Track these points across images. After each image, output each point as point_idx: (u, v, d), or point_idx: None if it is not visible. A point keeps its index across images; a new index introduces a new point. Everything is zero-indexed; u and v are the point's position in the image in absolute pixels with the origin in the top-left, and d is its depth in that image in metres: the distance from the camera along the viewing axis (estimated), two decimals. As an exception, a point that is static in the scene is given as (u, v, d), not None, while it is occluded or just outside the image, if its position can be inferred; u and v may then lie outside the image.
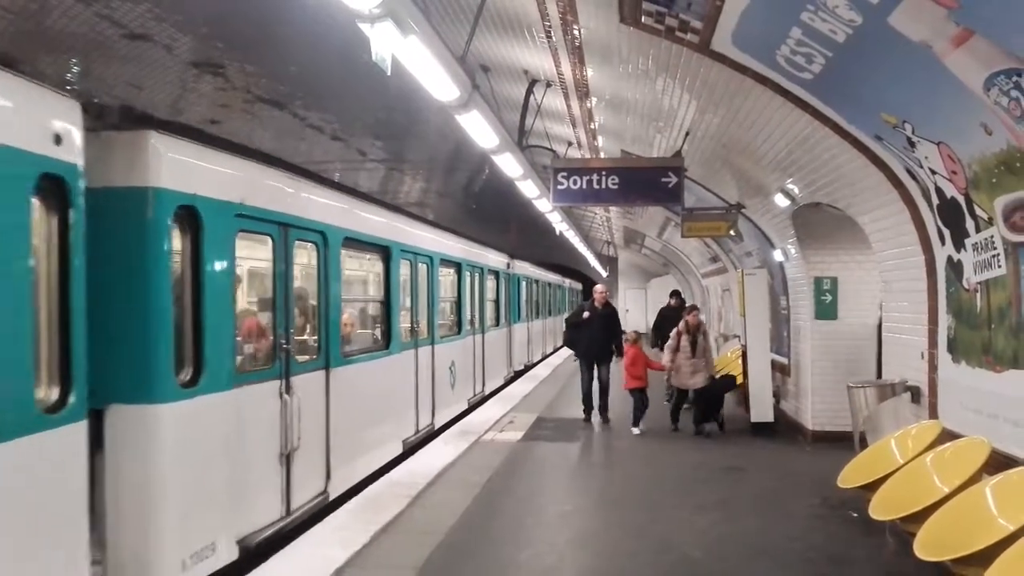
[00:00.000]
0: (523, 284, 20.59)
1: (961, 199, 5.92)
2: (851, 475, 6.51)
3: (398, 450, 9.78)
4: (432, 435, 11.22)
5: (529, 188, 11.42)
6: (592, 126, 12.59)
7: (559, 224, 17.04)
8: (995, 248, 5.62)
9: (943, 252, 6.60)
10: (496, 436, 11.34)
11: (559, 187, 10.22)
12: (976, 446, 5.55)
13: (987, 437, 5.67)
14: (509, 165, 9.89)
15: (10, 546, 3.72)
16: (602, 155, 14.27)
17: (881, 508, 5.66)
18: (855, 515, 6.87)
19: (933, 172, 6.11)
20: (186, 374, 5.29)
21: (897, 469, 6.00)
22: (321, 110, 14.65)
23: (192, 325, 5.39)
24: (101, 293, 4.58)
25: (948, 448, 5.86)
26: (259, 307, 7.36)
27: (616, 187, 10.25)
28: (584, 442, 11.15)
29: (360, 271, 10.11)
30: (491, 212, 24.76)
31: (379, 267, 9.66)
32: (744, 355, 12.25)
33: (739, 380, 12.67)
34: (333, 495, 7.54)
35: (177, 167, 5.22)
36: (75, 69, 10.78)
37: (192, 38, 10.86)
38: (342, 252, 7.93)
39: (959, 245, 6.23)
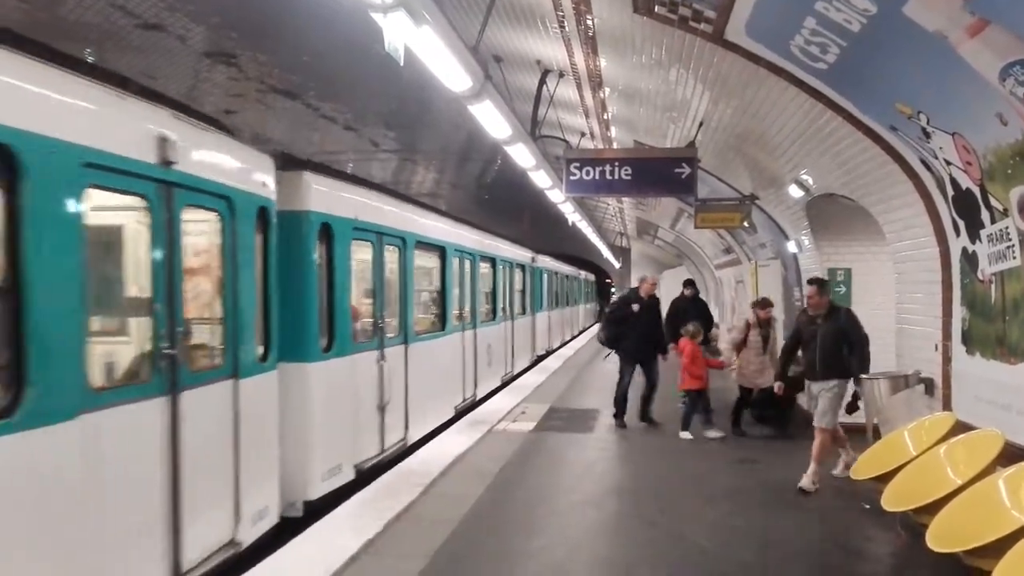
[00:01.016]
0: (545, 276, 22.50)
1: (976, 190, 5.88)
2: (864, 466, 6.49)
3: (451, 414, 11.94)
4: (475, 404, 13.32)
5: (542, 179, 11.41)
6: (605, 117, 12.56)
7: (571, 215, 17.01)
8: (1010, 239, 5.58)
9: (958, 243, 6.57)
10: (508, 426, 11.37)
11: (571, 177, 10.21)
12: (989, 438, 5.53)
13: (1001, 429, 5.64)
14: (521, 155, 9.89)
15: (251, 442, 5.97)
16: (615, 146, 14.24)
17: (894, 499, 5.65)
18: (867, 507, 6.86)
19: (948, 163, 6.07)
20: (324, 343, 7.45)
21: (910, 461, 5.98)
22: (334, 100, 14.68)
23: (327, 309, 7.51)
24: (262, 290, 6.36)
25: (961, 440, 5.84)
26: (364, 296, 8.98)
27: (629, 178, 10.23)
28: (596, 433, 11.15)
29: (424, 267, 11.60)
30: (504, 203, 24.77)
31: (437, 264, 11.73)
32: (757, 347, 12.19)
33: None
34: (409, 442, 9.71)
35: (320, 196, 7.38)
36: (89, 59, 10.84)
37: (205, 28, 10.90)
38: (415, 253, 10.11)
39: (974, 236, 6.20)
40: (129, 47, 11.08)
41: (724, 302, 22.51)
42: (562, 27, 8.61)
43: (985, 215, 5.89)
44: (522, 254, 18.95)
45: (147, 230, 4.89)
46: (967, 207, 6.15)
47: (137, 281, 5.21)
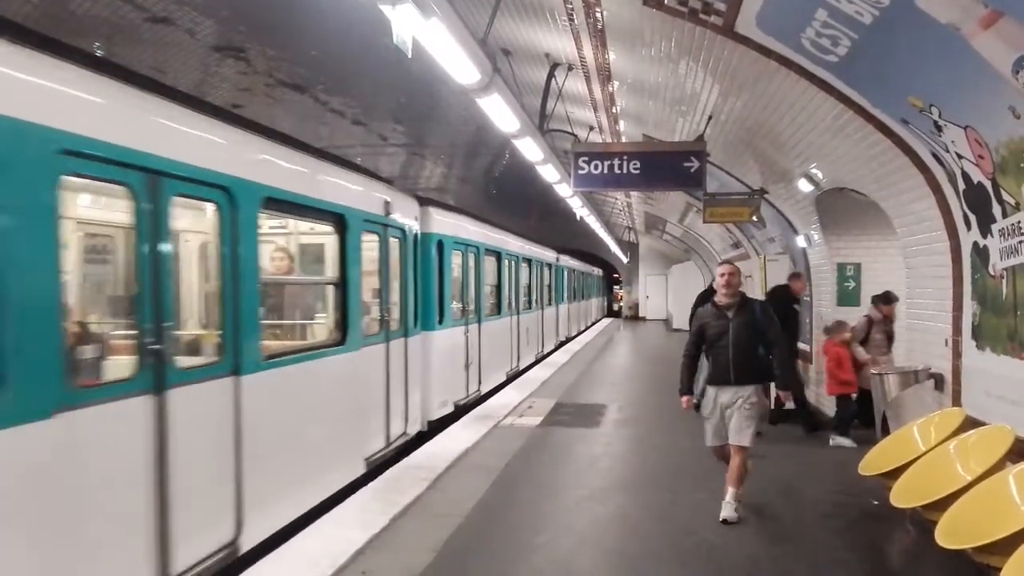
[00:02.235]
0: (565, 273, 26.42)
1: (988, 184, 5.83)
2: (873, 462, 6.46)
3: (503, 378, 15.65)
4: (518, 374, 16.92)
5: (550, 173, 11.37)
6: (614, 110, 12.50)
7: (580, 209, 16.98)
8: (1022, 234, 5.54)
9: (969, 238, 6.52)
10: (515, 421, 11.36)
11: (580, 172, 10.19)
12: (1000, 433, 5.49)
13: (1011, 424, 5.61)
14: (530, 149, 9.86)
15: (401, 385, 9.18)
16: (624, 140, 14.18)
17: (902, 495, 5.62)
18: (876, 503, 6.82)
19: (960, 157, 6.02)
20: (439, 319, 11.06)
21: (919, 456, 5.95)
22: (342, 94, 14.67)
23: (439, 297, 11.00)
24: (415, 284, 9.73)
25: (971, 435, 5.80)
26: (456, 288, 12.37)
27: (637, 172, 10.20)
28: (602, 428, 11.13)
29: (489, 267, 14.76)
30: (513, 197, 24.74)
31: (495, 265, 15.14)
32: (765, 341, 12.15)
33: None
34: (482, 392, 13.60)
35: (437, 223, 11.02)
36: (99, 52, 10.85)
37: (214, 22, 10.90)
38: (484, 257, 13.79)
39: (985, 231, 6.15)
40: (139, 41, 11.09)
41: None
42: (571, 20, 8.57)
43: (997, 209, 5.84)
44: (549, 255, 22.24)
45: (377, 254, 8.46)
46: (979, 201, 6.10)
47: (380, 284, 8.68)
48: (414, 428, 9.67)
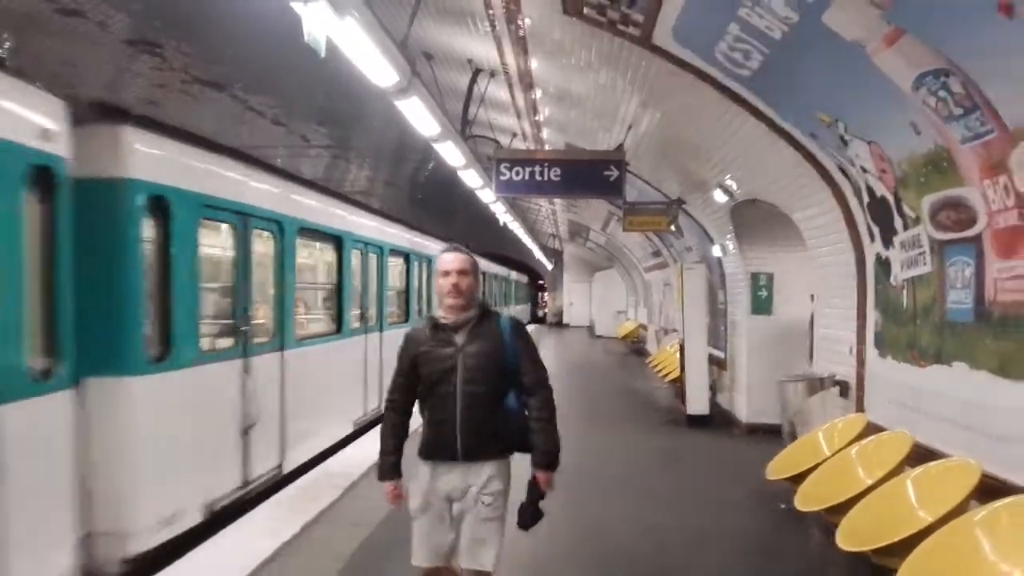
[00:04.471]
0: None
1: (890, 197, 6.03)
2: (779, 467, 6.60)
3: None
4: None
5: (472, 178, 11.35)
6: (537, 118, 12.57)
7: (503, 215, 17.02)
8: (922, 246, 5.74)
9: (872, 249, 6.73)
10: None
11: (501, 177, 10.17)
12: (898, 439, 5.68)
13: (911, 430, 5.80)
14: (451, 154, 9.81)
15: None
16: (547, 147, 14.26)
17: (806, 500, 5.75)
18: (783, 507, 6.97)
19: (864, 170, 6.22)
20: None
21: (823, 462, 6.10)
22: (262, 93, 14.36)
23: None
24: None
25: (871, 441, 5.98)
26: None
27: (558, 179, 10.22)
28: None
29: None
30: (438, 201, 24.64)
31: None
32: (682, 349, 12.37)
33: (676, 374, 12.80)
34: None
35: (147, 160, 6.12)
36: (6, 46, 10.39)
37: (127, 15, 10.55)
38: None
39: (888, 243, 6.36)
40: (49, 33, 10.66)
41: (653, 304, 22.79)
42: (493, 26, 8.57)
43: (898, 222, 6.05)
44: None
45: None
46: (881, 214, 6.30)
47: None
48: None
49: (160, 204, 5.89)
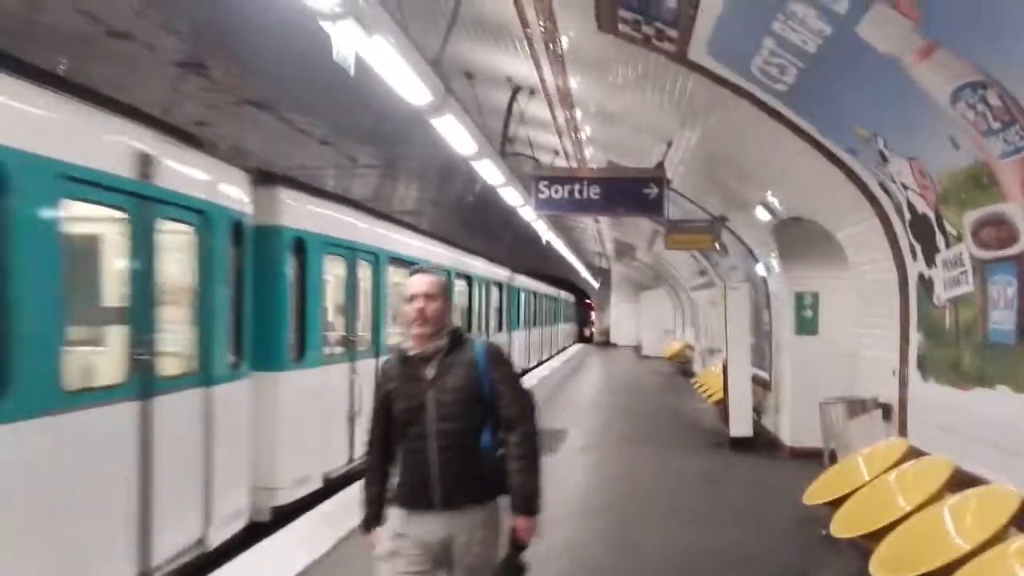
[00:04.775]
0: (522, 295, 26.50)
1: (932, 215, 5.87)
2: (817, 492, 6.43)
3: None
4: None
5: (512, 196, 11.35)
6: (578, 136, 12.54)
7: (546, 233, 17.01)
8: (963, 265, 5.57)
9: (915, 268, 6.55)
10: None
11: (540, 195, 10.19)
12: (939, 465, 5.48)
13: (953, 456, 5.60)
14: (489, 172, 9.83)
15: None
16: (591, 165, 14.23)
17: (843, 525, 5.58)
18: (824, 532, 6.78)
19: (905, 187, 6.06)
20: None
21: (862, 487, 5.92)
22: (308, 114, 14.58)
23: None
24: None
25: (911, 466, 5.79)
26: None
27: (598, 197, 10.21)
28: (559, 453, 11.05)
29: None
30: (485, 220, 24.72)
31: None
32: (725, 369, 12.18)
33: (720, 395, 12.61)
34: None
35: (293, 212, 7.93)
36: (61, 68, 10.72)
37: (176, 38, 10.81)
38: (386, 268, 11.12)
39: (930, 261, 6.18)
40: (100, 55, 10.97)
41: (700, 325, 22.52)
42: (530, 45, 8.58)
43: (940, 240, 5.88)
44: (500, 273, 21.18)
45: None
46: (923, 232, 6.14)
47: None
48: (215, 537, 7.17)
49: (299, 244, 7.92)
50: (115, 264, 5.55)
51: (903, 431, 6.78)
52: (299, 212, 7.99)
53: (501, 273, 20.94)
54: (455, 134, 7.64)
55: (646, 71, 8.04)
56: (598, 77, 9.42)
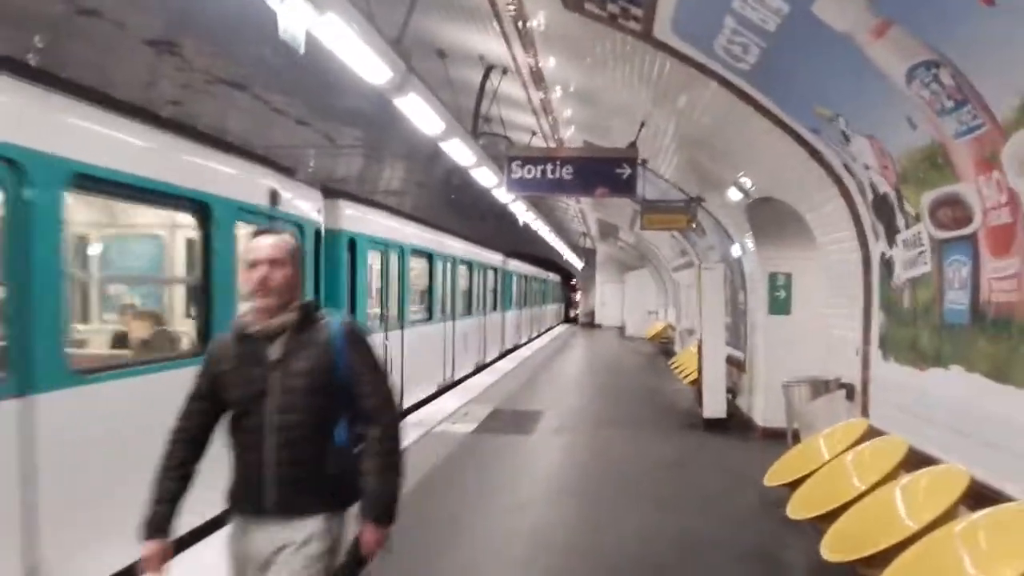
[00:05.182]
0: (515, 278, 28.16)
1: (892, 194, 5.85)
2: (779, 473, 6.43)
3: (434, 389, 16.39)
4: (453, 384, 17.85)
5: (485, 176, 11.28)
6: (553, 115, 12.48)
7: (524, 214, 16.95)
8: (922, 244, 5.56)
9: (877, 248, 6.54)
10: (448, 428, 11.24)
11: (513, 176, 10.13)
12: (894, 445, 5.49)
13: (911, 436, 5.61)
14: (460, 152, 9.76)
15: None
16: (568, 145, 14.16)
17: (800, 507, 5.58)
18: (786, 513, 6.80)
19: (867, 167, 6.04)
20: None
21: (820, 467, 5.92)
22: (284, 93, 14.44)
23: (350, 301, 10.90)
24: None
25: (867, 447, 5.79)
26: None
27: (571, 177, 10.16)
28: (535, 436, 11.04)
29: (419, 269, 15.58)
30: (470, 203, 24.63)
31: (426, 267, 15.58)
32: (700, 350, 12.18)
33: (695, 375, 12.62)
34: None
35: (349, 218, 10.56)
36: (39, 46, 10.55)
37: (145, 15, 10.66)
38: (410, 258, 13.43)
39: (891, 241, 6.17)
40: (71, 35, 10.81)
41: (681, 304, 22.55)
42: (500, 23, 8.51)
43: (900, 220, 5.86)
44: (495, 258, 22.66)
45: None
46: (885, 212, 6.12)
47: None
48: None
49: (352, 243, 10.50)
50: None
51: (865, 411, 6.78)
52: (352, 218, 10.52)
53: (496, 258, 22.47)
54: (420, 113, 7.56)
55: (616, 50, 7.98)
56: (574, 57, 9.36)
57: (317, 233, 8.45)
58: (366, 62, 5.83)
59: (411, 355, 12.69)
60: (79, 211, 6.60)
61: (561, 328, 42.48)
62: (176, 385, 3.23)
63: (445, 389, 15.31)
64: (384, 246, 11.84)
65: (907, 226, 5.76)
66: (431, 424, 11.33)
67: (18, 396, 4.13)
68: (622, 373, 20.39)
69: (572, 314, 50.79)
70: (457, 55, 10.23)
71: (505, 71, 10.40)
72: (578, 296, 50.17)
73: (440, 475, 8.48)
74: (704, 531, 6.74)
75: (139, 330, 6.61)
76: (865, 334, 6.82)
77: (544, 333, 36.27)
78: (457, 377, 16.81)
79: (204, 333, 5.90)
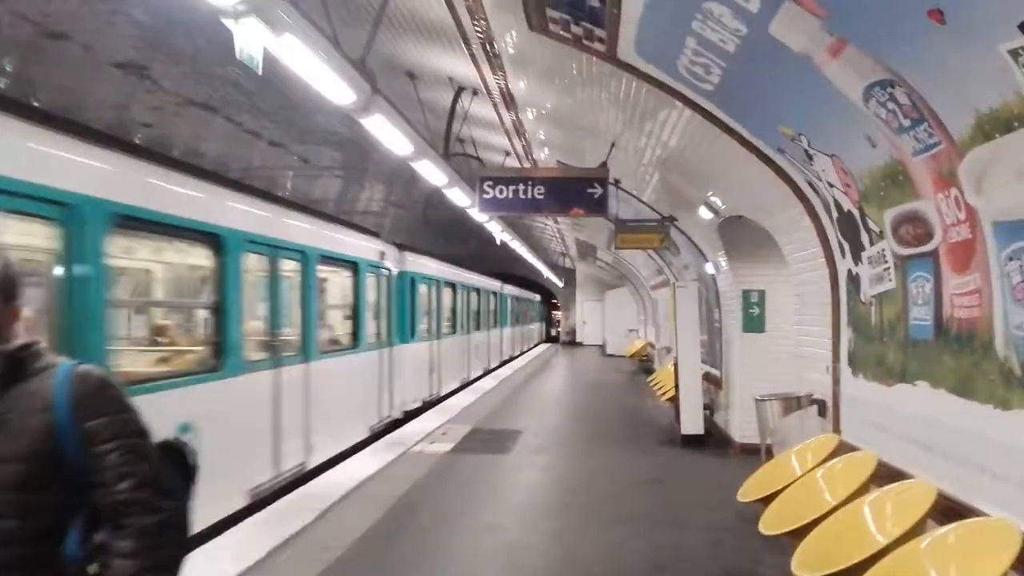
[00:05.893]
0: (509, 300, 31.93)
1: (856, 212, 5.89)
2: (751, 489, 6.41)
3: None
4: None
5: (458, 197, 11.27)
6: (526, 136, 12.51)
7: (500, 234, 16.96)
8: (886, 261, 5.59)
9: (844, 265, 6.58)
10: (425, 448, 11.19)
11: (485, 196, 10.13)
12: (863, 460, 5.50)
13: (881, 451, 5.62)
14: (431, 173, 9.75)
15: (387, 382, 13.69)
16: (541, 166, 14.20)
17: (773, 522, 5.56)
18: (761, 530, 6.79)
19: (831, 185, 6.08)
20: (411, 335, 15.58)
21: (792, 483, 5.92)
22: (256, 115, 14.39)
23: (411, 319, 15.49)
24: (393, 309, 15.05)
25: (837, 462, 5.79)
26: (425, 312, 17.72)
27: (543, 197, 10.16)
28: (511, 456, 11.00)
29: (447, 296, 19.56)
30: (448, 223, 24.58)
31: (451, 294, 19.97)
32: (676, 367, 12.20)
33: (673, 392, 12.63)
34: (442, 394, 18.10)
35: (411, 263, 15.34)
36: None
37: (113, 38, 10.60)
38: (444, 288, 18.75)
39: (857, 258, 6.20)
40: (36, 58, 10.73)
41: (659, 323, 22.59)
42: (467, 45, 8.52)
43: (865, 237, 5.90)
44: (494, 284, 27.42)
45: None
46: (849, 229, 6.16)
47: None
48: (396, 413, 13.61)
49: (413, 280, 14.88)
50: (375, 296, 12.59)
51: (837, 427, 6.79)
52: (412, 263, 14.98)
53: (495, 284, 27.72)
54: (387, 134, 7.54)
55: (584, 72, 8.02)
56: (544, 79, 9.39)
57: (390, 274, 13.14)
58: (328, 82, 5.80)
59: (444, 359, 17.88)
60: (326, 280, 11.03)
61: (543, 347, 42.48)
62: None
63: (466, 385, 20.28)
64: (429, 281, 16.68)
65: (872, 243, 5.79)
66: (408, 444, 11.28)
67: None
68: (602, 391, 20.39)
69: (553, 332, 50.79)
70: (428, 76, 10.24)
71: (476, 92, 10.42)
72: (559, 315, 50.20)
73: (416, 497, 8.43)
74: (680, 548, 6.74)
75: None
76: (834, 350, 6.84)
77: (529, 350, 37.17)
78: (472, 377, 21.79)
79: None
